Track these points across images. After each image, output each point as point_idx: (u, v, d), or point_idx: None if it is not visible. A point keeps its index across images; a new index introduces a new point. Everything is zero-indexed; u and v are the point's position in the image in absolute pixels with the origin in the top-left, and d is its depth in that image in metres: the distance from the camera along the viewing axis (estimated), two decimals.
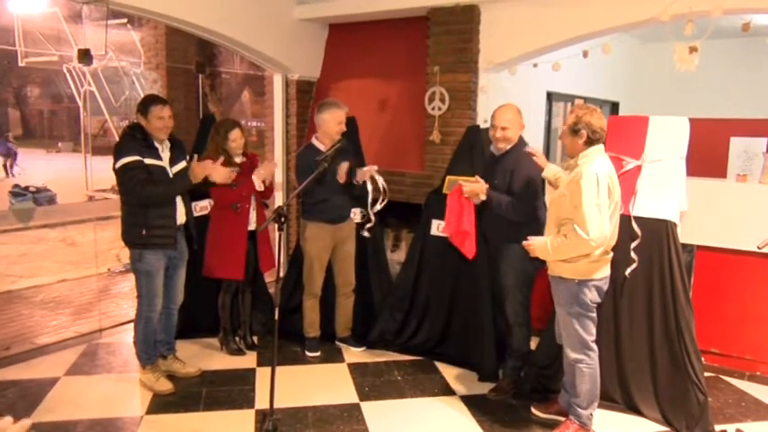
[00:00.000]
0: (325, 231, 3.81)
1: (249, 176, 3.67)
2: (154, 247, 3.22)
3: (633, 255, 3.17)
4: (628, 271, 3.17)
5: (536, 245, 2.83)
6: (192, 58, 6.40)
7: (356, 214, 3.98)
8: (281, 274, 3.13)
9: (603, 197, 2.64)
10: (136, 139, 3.17)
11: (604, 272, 2.84)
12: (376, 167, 3.78)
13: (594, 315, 2.88)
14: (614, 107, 7.38)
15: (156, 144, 3.23)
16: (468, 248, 3.40)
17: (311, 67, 5.47)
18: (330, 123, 3.70)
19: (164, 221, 3.22)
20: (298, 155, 3.88)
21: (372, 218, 4.00)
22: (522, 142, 3.28)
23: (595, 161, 2.72)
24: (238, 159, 3.69)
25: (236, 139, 3.63)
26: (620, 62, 7.05)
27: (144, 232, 3.17)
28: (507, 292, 3.30)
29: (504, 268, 3.29)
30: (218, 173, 3.25)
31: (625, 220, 3.19)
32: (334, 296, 4.04)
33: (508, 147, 3.26)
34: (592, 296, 2.82)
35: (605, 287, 2.89)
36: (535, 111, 5.90)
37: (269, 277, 4.37)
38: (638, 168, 3.26)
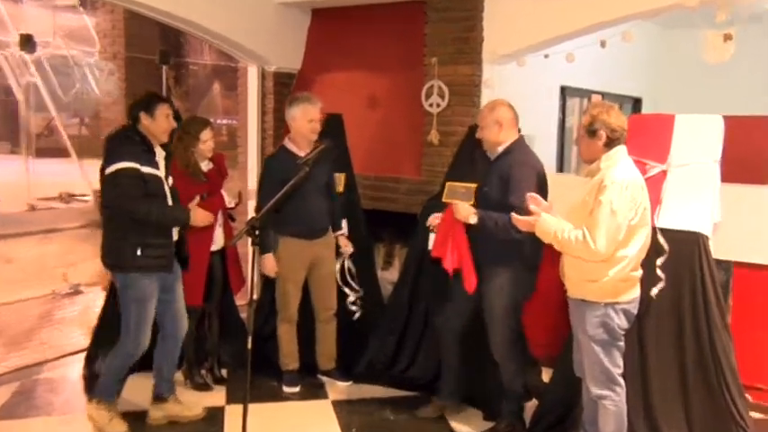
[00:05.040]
0: (299, 247, 3.79)
1: (218, 187, 3.72)
2: (148, 271, 3.11)
3: (660, 272, 3.18)
4: (654, 291, 3.18)
5: (543, 224, 2.78)
6: (154, 47, 6.43)
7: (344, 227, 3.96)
8: (255, 297, 3.10)
9: (624, 207, 2.65)
10: (135, 142, 3.10)
11: (633, 293, 2.84)
12: (351, 250, 3.99)
13: (622, 344, 2.87)
14: (636, 104, 7.46)
15: (154, 149, 3.19)
16: (469, 281, 3.30)
17: (291, 58, 5.49)
18: (301, 121, 3.69)
19: (162, 240, 3.12)
20: (266, 160, 3.85)
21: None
22: (519, 144, 3.28)
23: (620, 164, 2.75)
24: (205, 165, 3.72)
25: (207, 140, 3.67)
26: (643, 52, 7.11)
27: (139, 252, 3.06)
28: (493, 323, 3.30)
29: (489, 295, 3.27)
30: (199, 217, 3.25)
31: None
32: (313, 322, 4.03)
33: (499, 149, 3.27)
34: (620, 321, 2.80)
35: (635, 311, 2.87)
36: (547, 108, 5.96)
37: (240, 300, 4.35)
38: (663, 174, 3.29)
